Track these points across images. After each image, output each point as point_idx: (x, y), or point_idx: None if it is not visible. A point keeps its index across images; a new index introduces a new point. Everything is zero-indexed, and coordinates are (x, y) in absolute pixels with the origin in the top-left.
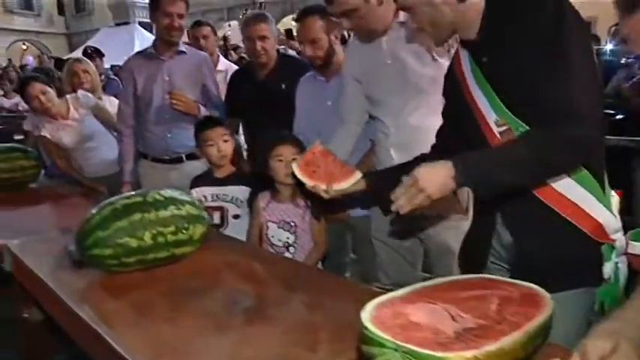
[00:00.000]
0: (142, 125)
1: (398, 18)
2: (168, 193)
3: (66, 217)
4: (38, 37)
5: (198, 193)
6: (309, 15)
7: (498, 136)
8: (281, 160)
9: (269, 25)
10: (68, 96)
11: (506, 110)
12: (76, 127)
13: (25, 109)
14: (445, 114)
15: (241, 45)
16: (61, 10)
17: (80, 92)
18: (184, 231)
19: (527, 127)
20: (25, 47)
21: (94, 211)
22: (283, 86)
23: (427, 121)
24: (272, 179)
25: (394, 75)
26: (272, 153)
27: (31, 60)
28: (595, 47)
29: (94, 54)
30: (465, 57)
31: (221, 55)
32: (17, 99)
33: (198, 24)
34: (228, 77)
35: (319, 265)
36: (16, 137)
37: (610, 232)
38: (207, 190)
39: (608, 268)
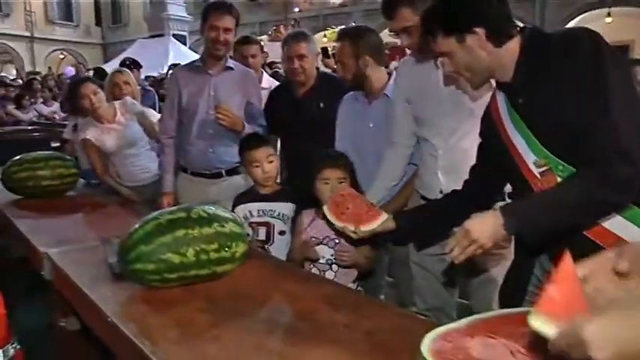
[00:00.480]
0: (184, 139)
1: None
2: (212, 210)
3: (103, 227)
4: (76, 47)
5: (243, 209)
6: (340, 39)
7: (538, 176)
8: (327, 183)
9: (308, 43)
10: (116, 102)
11: (545, 150)
12: (120, 131)
13: (62, 117)
14: (480, 154)
15: (275, 61)
16: (98, 21)
17: (127, 98)
18: (227, 249)
19: (567, 166)
20: (62, 56)
21: (137, 225)
22: (321, 105)
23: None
24: (316, 197)
25: (447, 96)
26: (319, 175)
27: (69, 70)
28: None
29: (132, 65)
30: (501, 99)
31: (265, 72)
32: (55, 107)
33: (245, 41)
34: None
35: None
36: (53, 144)
37: None
38: (253, 206)
39: None
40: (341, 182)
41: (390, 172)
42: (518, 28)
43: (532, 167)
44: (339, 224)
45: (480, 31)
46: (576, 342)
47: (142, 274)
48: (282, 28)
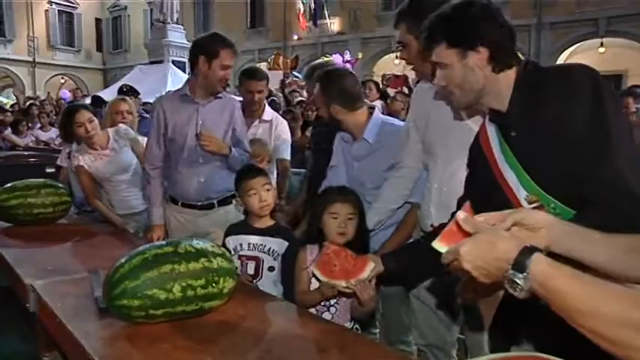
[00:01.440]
0: (173, 169)
1: None
2: (200, 244)
3: (93, 257)
4: (76, 72)
5: (234, 241)
6: (310, 78)
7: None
8: (335, 218)
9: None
10: (109, 129)
11: (536, 187)
12: (113, 157)
13: (60, 143)
14: (468, 186)
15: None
16: (99, 46)
17: (121, 125)
18: (214, 284)
19: (560, 204)
20: (63, 81)
21: (123, 259)
22: (324, 129)
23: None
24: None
25: (451, 127)
26: (328, 208)
27: (66, 94)
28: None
29: (130, 92)
30: (492, 130)
31: (267, 104)
32: (53, 132)
33: (254, 76)
34: (274, 127)
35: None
36: (48, 170)
37: None
38: (245, 239)
39: None
40: (350, 218)
41: (391, 193)
42: (519, 60)
43: (523, 203)
44: (329, 282)
45: (484, 51)
46: (454, 256)
47: (127, 310)
48: (280, 58)
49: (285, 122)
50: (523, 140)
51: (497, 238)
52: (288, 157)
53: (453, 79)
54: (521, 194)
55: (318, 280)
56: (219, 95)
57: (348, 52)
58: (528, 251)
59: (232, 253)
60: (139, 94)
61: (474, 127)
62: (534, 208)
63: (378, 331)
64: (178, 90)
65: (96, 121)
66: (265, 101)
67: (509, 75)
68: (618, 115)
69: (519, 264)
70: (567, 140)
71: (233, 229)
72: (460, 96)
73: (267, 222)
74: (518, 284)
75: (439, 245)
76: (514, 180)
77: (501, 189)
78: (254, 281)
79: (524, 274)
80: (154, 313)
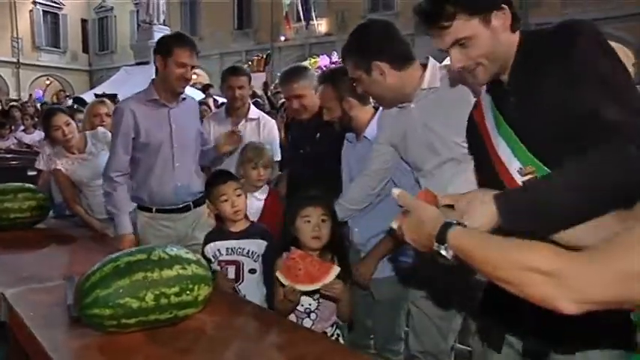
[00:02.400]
0: (146, 176)
1: (422, 84)
2: (174, 251)
3: (70, 263)
4: (62, 73)
5: (212, 248)
6: (321, 83)
7: (521, 184)
8: (309, 222)
9: (306, 80)
10: (87, 132)
11: (532, 157)
12: (91, 161)
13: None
14: (475, 169)
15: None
16: (85, 47)
17: (99, 128)
18: (189, 292)
19: None
20: (48, 82)
21: (95, 267)
22: (317, 136)
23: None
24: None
25: (427, 142)
26: (301, 212)
27: (39, 93)
28: None
29: (108, 98)
30: (486, 102)
31: (252, 103)
32: (36, 135)
33: (235, 72)
34: (262, 125)
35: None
36: (30, 173)
37: None
38: (222, 244)
39: None
40: (323, 220)
41: (352, 196)
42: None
43: (515, 175)
44: (294, 286)
45: (506, 9)
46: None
47: (99, 320)
48: (261, 61)
49: (272, 121)
50: (524, 105)
51: (425, 215)
52: (279, 158)
53: (483, 50)
54: (514, 166)
55: (282, 284)
56: (184, 96)
57: (336, 53)
58: (447, 225)
59: (212, 260)
60: (116, 99)
61: (446, 137)
62: (527, 180)
63: (372, 342)
64: (144, 93)
65: (73, 124)
66: (250, 101)
67: (516, 38)
68: (619, 63)
69: (441, 237)
70: (570, 91)
71: (210, 237)
72: (489, 66)
73: (243, 224)
74: (442, 254)
75: (394, 223)
76: (507, 151)
77: (492, 162)
78: (236, 286)
79: (445, 244)
80: (127, 322)
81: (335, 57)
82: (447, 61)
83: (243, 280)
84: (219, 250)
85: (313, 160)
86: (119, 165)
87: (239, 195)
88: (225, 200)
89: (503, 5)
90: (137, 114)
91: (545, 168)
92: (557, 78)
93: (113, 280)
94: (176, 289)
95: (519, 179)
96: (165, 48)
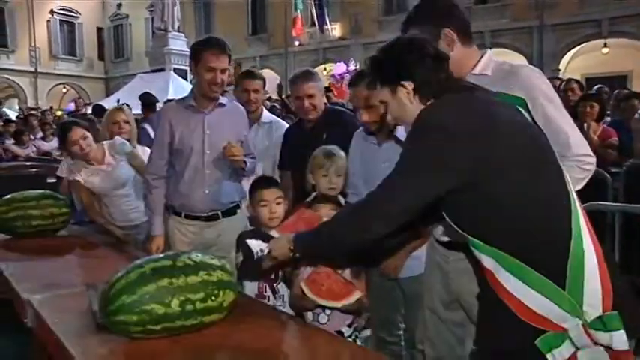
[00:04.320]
0: (177, 181)
1: (475, 69)
2: (199, 257)
3: (93, 270)
4: (78, 81)
5: (257, 245)
6: (365, 80)
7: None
8: (265, 205)
9: (316, 82)
10: (105, 142)
11: None
12: (110, 173)
13: (60, 154)
14: None
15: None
16: (101, 55)
17: (117, 138)
18: (214, 298)
19: None
20: (65, 90)
21: (120, 273)
22: (325, 136)
23: None
24: None
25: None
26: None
27: (70, 106)
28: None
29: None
30: None
31: (264, 108)
32: (54, 143)
33: (250, 75)
34: (274, 130)
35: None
36: (49, 180)
37: (557, 320)
38: (260, 244)
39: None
40: (278, 203)
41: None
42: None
43: None
44: (315, 300)
45: (409, 84)
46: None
47: (125, 326)
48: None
49: (285, 125)
50: None
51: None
52: None
53: (392, 113)
54: None
55: (303, 293)
56: (223, 102)
57: (353, 60)
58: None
59: (255, 254)
60: (154, 103)
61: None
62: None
63: (400, 332)
64: (183, 99)
65: (90, 137)
66: (263, 106)
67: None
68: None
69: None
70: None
71: (245, 235)
72: (404, 126)
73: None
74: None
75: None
76: None
77: None
78: (274, 284)
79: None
80: (153, 328)
81: (352, 64)
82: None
83: (280, 280)
84: (262, 249)
85: None
86: (155, 169)
87: (279, 203)
88: (264, 206)
89: (404, 83)
90: (173, 119)
91: None
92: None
93: (139, 287)
94: (201, 295)
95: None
96: (195, 54)
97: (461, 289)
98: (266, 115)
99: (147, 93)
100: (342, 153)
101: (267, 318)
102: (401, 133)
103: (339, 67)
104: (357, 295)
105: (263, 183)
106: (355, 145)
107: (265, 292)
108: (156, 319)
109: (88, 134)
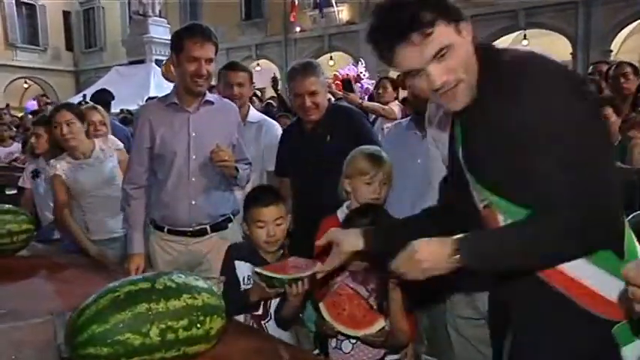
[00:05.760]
0: (159, 190)
1: None
2: (182, 278)
3: (60, 296)
4: (43, 75)
5: (245, 268)
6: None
7: (481, 208)
8: (262, 227)
9: (319, 77)
10: (96, 139)
11: (479, 185)
12: (95, 167)
13: (22, 160)
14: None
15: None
16: (69, 45)
17: (111, 136)
18: (199, 325)
19: (507, 203)
20: (26, 86)
21: (90, 299)
22: (328, 137)
23: None
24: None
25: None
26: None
27: (31, 104)
28: None
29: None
30: (457, 125)
31: (264, 107)
32: (14, 147)
33: (233, 67)
34: (264, 131)
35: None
36: (8, 192)
37: None
38: (249, 270)
39: (628, 352)
40: (279, 224)
41: None
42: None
43: (477, 203)
44: (334, 325)
45: (468, 19)
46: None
47: None
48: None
49: (277, 125)
50: (471, 134)
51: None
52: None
53: (460, 60)
54: (477, 196)
55: (320, 314)
56: (210, 99)
57: (362, 61)
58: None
59: (242, 282)
60: (109, 102)
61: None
62: (484, 205)
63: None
64: (165, 97)
65: (77, 125)
66: (250, 103)
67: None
68: (579, 112)
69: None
70: (513, 139)
71: (237, 254)
72: (468, 82)
73: (276, 255)
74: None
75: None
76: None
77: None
78: (263, 323)
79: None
80: None
81: (362, 66)
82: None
83: (270, 318)
84: (248, 276)
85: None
86: (133, 177)
87: (279, 224)
88: (261, 227)
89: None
90: (154, 121)
91: (495, 197)
92: (504, 118)
93: (112, 314)
94: (184, 322)
95: (480, 204)
96: (176, 43)
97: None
98: (253, 114)
99: (101, 90)
100: (386, 155)
101: (262, 348)
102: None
103: (351, 70)
104: (379, 324)
105: (262, 198)
106: (393, 136)
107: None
108: (132, 351)
109: (77, 121)
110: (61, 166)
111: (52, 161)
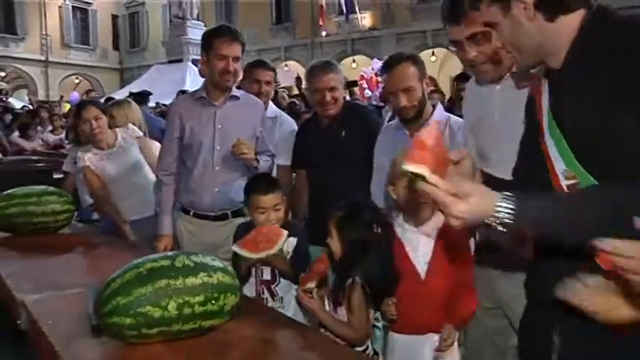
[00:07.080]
0: (187, 178)
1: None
2: (199, 257)
3: (95, 271)
4: (91, 72)
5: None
6: (402, 62)
7: (565, 189)
8: (263, 213)
9: (337, 73)
10: (117, 128)
11: (576, 162)
12: (120, 155)
13: (68, 147)
14: (521, 150)
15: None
16: (116, 45)
17: (130, 125)
18: (214, 301)
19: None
20: (77, 81)
21: (116, 273)
22: (343, 133)
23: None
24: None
25: (503, 128)
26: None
27: (74, 95)
28: None
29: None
30: (545, 90)
31: (271, 101)
32: (62, 135)
33: (261, 65)
34: (278, 125)
35: None
36: (56, 176)
37: None
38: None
39: None
40: (277, 210)
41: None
42: (586, 3)
43: (560, 177)
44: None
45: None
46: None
47: (119, 329)
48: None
49: (291, 120)
50: (571, 105)
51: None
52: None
53: (506, 38)
54: (560, 168)
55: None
56: (236, 95)
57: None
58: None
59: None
60: (148, 101)
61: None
62: (570, 185)
63: None
64: (195, 92)
65: (103, 119)
66: (270, 100)
67: (572, 22)
68: None
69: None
70: (624, 111)
71: (242, 234)
72: (520, 58)
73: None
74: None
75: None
76: (554, 150)
77: (544, 158)
78: (272, 286)
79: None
80: (148, 332)
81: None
82: None
83: (279, 282)
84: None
85: (355, 158)
86: (165, 164)
87: (278, 210)
88: (262, 213)
89: None
90: (184, 113)
91: (589, 177)
92: (616, 88)
93: (134, 288)
94: (200, 298)
95: (564, 183)
96: (206, 42)
97: (507, 295)
98: (271, 109)
99: (142, 92)
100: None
101: (273, 324)
102: (440, 114)
103: (375, 64)
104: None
105: (262, 186)
106: (384, 138)
107: (263, 294)
108: (152, 322)
109: (103, 116)
110: (88, 158)
111: (79, 153)
